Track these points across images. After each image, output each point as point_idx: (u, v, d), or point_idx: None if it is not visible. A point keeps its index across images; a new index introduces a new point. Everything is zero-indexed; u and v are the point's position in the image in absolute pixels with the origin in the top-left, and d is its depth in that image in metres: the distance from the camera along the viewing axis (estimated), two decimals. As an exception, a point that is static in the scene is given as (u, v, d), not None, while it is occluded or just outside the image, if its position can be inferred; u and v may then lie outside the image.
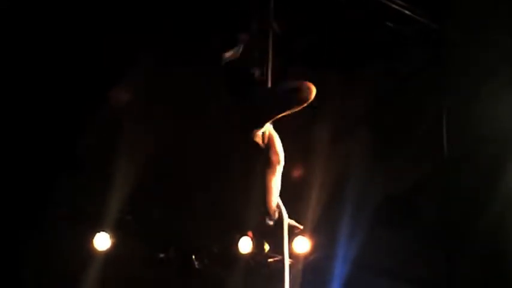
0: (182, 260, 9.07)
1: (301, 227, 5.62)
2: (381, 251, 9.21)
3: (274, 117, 5.38)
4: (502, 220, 8.54)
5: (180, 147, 8.27)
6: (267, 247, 8.73)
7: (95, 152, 8.38)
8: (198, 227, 9.03)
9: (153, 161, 8.37)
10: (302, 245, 9.15)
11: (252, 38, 5.54)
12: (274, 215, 5.44)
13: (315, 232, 9.14)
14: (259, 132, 5.43)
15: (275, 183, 5.47)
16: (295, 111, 5.39)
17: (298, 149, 8.56)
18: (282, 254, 5.59)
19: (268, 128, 5.47)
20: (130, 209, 8.93)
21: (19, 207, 8.43)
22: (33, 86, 7.87)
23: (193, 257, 9.05)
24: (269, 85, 5.52)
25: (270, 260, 8.78)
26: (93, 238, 8.79)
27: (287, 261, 5.49)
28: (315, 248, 9.22)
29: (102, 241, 8.82)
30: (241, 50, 5.47)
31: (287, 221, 5.50)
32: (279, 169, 5.50)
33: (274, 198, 5.45)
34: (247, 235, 8.86)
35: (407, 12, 7.75)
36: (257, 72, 5.51)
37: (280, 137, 5.92)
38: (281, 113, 5.35)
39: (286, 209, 5.65)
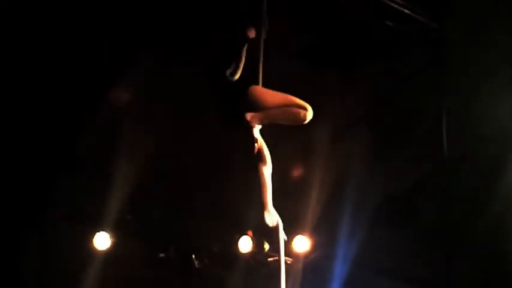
0: (182, 260, 9.07)
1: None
2: (381, 250, 9.21)
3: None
4: (502, 220, 8.54)
5: (180, 147, 8.27)
6: (267, 246, 8.74)
7: (95, 152, 8.38)
8: (198, 226, 9.03)
9: (153, 161, 8.37)
10: (302, 244, 9.16)
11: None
12: (271, 214, 5.45)
13: (315, 231, 9.14)
14: (255, 133, 5.44)
15: (269, 181, 5.50)
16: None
17: (298, 149, 8.58)
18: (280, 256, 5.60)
19: (259, 138, 5.50)
20: (130, 208, 8.93)
21: (19, 207, 8.42)
22: (33, 86, 7.87)
23: (193, 256, 9.06)
24: (260, 85, 5.54)
25: (270, 259, 8.77)
26: (93, 238, 8.80)
27: (283, 265, 5.49)
28: (315, 248, 9.22)
29: (102, 241, 8.82)
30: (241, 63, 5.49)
31: (281, 224, 5.50)
32: (269, 172, 5.53)
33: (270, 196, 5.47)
34: (247, 234, 8.86)
35: (406, 11, 7.73)
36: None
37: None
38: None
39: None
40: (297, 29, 7.57)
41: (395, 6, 7.65)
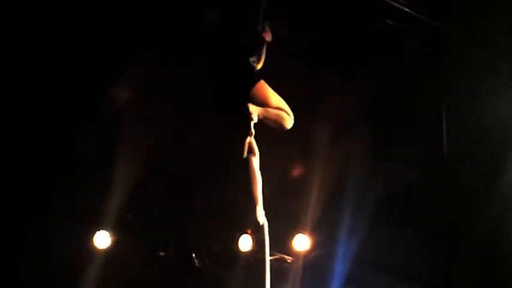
0: (182, 259, 9.09)
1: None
2: (381, 249, 9.23)
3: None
4: (502, 220, 8.55)
5: (180, 147, 8.26)
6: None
7: (95, 152, 8.37)
8: (198, 226, 9.04)
9: (153, 160, 8.37)
10: (302, 243, 9.18)
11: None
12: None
13: (315, 230, 9.16)
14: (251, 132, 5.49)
15: (259, 174, 5.55)
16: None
17: (298, 149, 8.59)
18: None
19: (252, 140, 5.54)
20: (130, 207, 8.93)
21: (19, 207, 8.42)
22: (33, 85, 7.85)
23: (194, 255, 9.07)
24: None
25: (270, 258, 8.77)
26: (93, 236, 8.81)
27: (268, 263, 5.54)
28: (315, 246, 9.25)
29: (102, 239, 8.83)
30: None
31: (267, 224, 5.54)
32: (257, 165, 5.59)
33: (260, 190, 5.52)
34: (247, 233, 8.88)
35: (407, 9, 7.72)
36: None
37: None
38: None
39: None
40: (297, 29, 7.56)
41: (396, 4, 7.64)
